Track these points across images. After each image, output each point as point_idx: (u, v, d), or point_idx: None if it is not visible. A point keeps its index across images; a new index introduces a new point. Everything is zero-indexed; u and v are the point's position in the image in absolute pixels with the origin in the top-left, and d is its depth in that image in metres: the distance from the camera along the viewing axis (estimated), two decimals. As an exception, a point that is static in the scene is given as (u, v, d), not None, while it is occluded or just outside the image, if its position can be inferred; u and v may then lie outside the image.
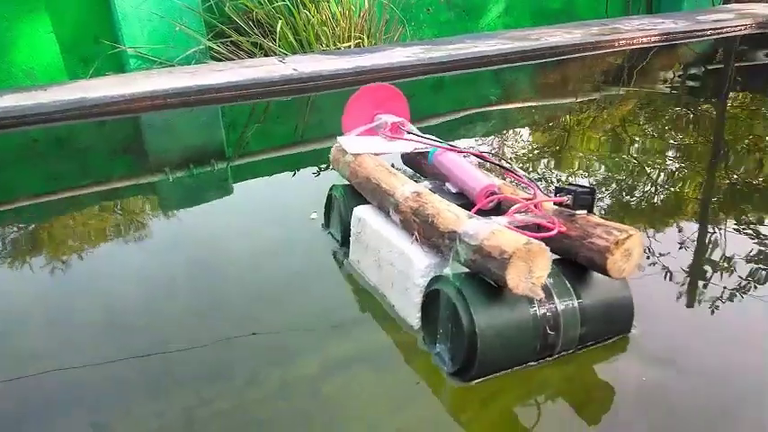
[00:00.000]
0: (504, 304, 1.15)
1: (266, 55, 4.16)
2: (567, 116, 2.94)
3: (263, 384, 1.18)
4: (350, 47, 4.38)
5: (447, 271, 1.21)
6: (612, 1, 5.94)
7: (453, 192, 1.46)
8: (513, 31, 4.35)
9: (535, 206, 1.25)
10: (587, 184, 1.36)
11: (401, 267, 1.33)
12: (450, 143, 1.58)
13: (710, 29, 4.43)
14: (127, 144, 2.65)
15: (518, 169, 1.44)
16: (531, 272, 1.08)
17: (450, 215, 1.23)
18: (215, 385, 1.18)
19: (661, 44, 4.26)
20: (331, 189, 1.68)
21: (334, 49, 4.31)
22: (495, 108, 3.11)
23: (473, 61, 3.36)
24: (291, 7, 4.28)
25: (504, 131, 2.78)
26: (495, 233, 1.12)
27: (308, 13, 4.31)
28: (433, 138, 1.61)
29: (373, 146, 1.60)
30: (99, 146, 2.60)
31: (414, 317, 1.31)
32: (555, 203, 1.26)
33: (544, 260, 1.08)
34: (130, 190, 2.16)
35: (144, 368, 1.23)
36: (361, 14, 4.54)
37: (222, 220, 1.91)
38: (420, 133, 1.66)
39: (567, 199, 1.23)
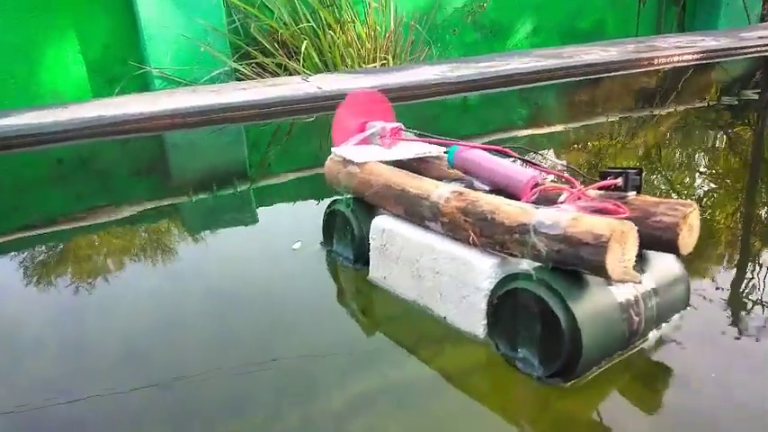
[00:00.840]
0: (593, 294, 1.07)
1: (291, 76, 4.12)
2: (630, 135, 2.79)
3: (284, 420, 1.04)
4: (375, 67, 4.32)
5: (524, 267, 1.11)
6: (643, 21, 5.80)
7: (487, 189, 1.32)
8: (545, 50, 4.23)
9: (583, 193, 1.18)
10: (627, 167, 1.22)
11: (454, 273, 1.21)
12: (458, 141, 1.44)
13: (755, 45, 4.25)
14: (143, 164, 2.59)
15: (541, 161, 1.38)
16: (623, 255, 1.02)
17: (512, 208, 1.14)
18: (233, 421, 1.04)
19: (704, 62, 4.10)
20: (332, 204, 1.54)
21: (360, 69, 4.25)
22: (543, 129, 2.97)
23: (504, 79, 3.24)
24: (317, 29, 4.24)
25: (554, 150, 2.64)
26: (577, 219, 1.04)
27: (332, 34, 4.27)
28: (438, 137, 1.51)
29: (377, 153, 1.48)
30: (114, 166, 2.54)
31: (479, 325, 1.19)
32: (602, 188, 1.19)
33: (634, 241, 1.03)
34: (146, 213, 2.08)
35: (158, 399, 1.11)
36: (387, 35, 4.49)
37: (235, 245, 1.80)
38: (419, 136, 1.55)
39: (618, 182, 1.17)
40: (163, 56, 4.09)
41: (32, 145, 2.44)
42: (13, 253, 1.83)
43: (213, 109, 2.69)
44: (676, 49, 4.01)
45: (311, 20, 4.26)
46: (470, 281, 1.18)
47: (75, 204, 2.21)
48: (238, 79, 4.19)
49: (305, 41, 4.13)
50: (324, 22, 4.28)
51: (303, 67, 4.13)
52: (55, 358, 1.26)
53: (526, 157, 1.38)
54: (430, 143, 1.51)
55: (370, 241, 1.40)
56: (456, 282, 1.21)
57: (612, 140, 2.68)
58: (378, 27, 4.46)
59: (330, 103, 2.91)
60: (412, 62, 4.59)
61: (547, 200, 1.23)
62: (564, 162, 1.69)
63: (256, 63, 4.26)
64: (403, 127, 1.57)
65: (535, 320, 1.07)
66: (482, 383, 1.14)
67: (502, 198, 1.20)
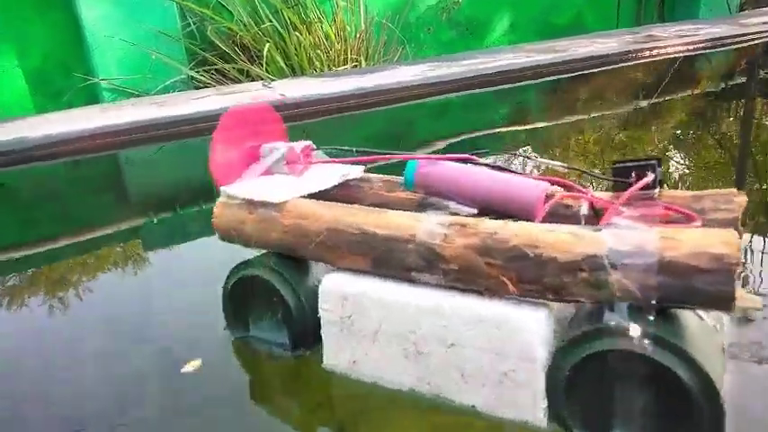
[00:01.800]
0: (702, 337, 0.79)
1: (253, 81, 3.77)
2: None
3: None
4: (346, 69, 4.00)
5: (612, 317, 0.78)
6: (623, 13, 5.60)
7: (473, 212, 0.98)
8: (535, 44, 3.94)
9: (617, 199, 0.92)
10: (643, 157, 1.01)
11: (484, 342, 0.87)
12: (395, 154, 1.13)
13: (758, 32, 4.03)
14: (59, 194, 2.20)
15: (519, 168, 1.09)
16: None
17: (558, 235, 0.82)
18: None
19: (710, 50, 3.86)
20: (239, 269, 1.09)
21: (329, 72, 3.92)
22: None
23: (491, 78, 2.93)
24: (281, 30, 3.90)
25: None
26: (670, 237, 0.75)
27: (298, 35, 3.94)
28: (374, 151, 1.15)
29: (292, 186, 1.08)
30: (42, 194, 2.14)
31: (538, 409, 0.85)
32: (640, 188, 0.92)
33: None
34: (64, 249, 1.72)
35: None
36: (358, 35, 4.17)
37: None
38: (337, 154, 1.19)
39: (649, 180, 0.92)
40: (110, 65, 3.71)
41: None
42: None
43: (158, 123, 2.32)
44: (679, 38, 3.75)
45: (274, 20, 3.92)
46: (515, 349, 0.84)
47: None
48: (196, 87, 3.82)
49: (267, 44, 3.79)
50: (288, 22, 3.95)
51: (267, 71, 3.78)
52: None
53: (502, 165, 1.10)
54: (353, 162, 1.15)
55: (322, 314, 1.00)
56: (488, 353, 0.87)
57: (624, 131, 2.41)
58: (347, 27, 4.14)
59: (296, 112, 2.58)
60: (386, 63, 4.29)
61: (562, 215, 0.93)
62: (559, 162, 1.33)
63: (215, 70, 3.90)
64: (314, 145, 1.20)
65: (644, 389, 0.76)
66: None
67: (528, 223, 0.88)
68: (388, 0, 4.64)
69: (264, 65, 3.75)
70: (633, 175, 0.93)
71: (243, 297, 1.10)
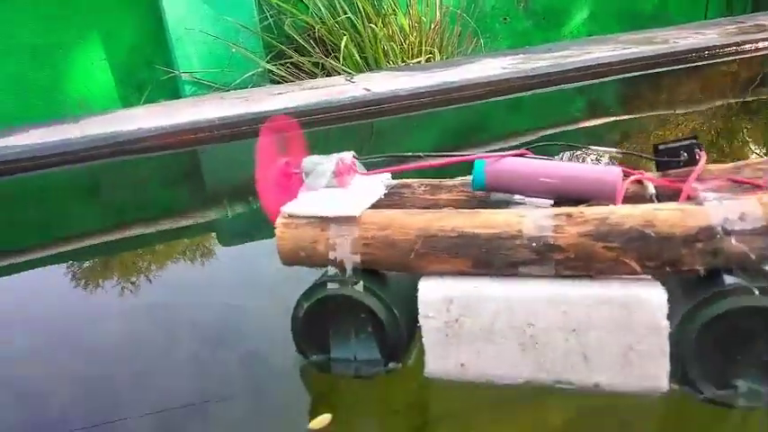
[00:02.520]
0: None
1: (329, 75, 3.76)
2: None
3: None
4: (420, 62, 3.93)
5: (731, 280, 0.87)
6: (712, 1, 5.25)
7: (550, 203, 1.01)
8: (626, 35, 3.70)
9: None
10: (683, 137, 1.06)
11: (608, 322, 0.91)
12: (433, 154, 1.10)
13: None
14: (159, 185, 2.26)
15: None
16: None
17: (669, 213, 0.90)
18: None
19: None
20: (314, 292, 1.02)
21: (403, 65, 3.87)
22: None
23: (588, 71, 2.75)
24: (356, 22, 3.87)
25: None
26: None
27: (373, 27, 3.89)
28: (410, 154, 1.13)
29: (354, 198, 1.03)
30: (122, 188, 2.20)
31: (661, 376, 0.93)
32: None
33: None
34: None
35: None
36: (433, 27, 4.09)
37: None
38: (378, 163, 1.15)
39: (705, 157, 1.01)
40: (192, 58, 3.79)
41: (25, 171, 2.12)
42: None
43: (240, 120, 2.32)
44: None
45: (349, 12, 3.89)
46: (641, 323, 0.90)
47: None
48: (272, 80, 3.86)
49: (344, 37, 3.77)
50: (363, 14, 3.91)
51: (343, 65, 3.77)
52: None
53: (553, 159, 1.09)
54: (404, 169, 1.13)
55: (423, 321, 0.97)
56: (613, 333, 0.92)
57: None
58: (423, 18, 4.06)
59: (382, 107, 2.54)
60: (459, 54, 4.19)
61: (632, 197, 1.01)
62: (611, 147, 1.33)
63: (291, 63, 3.92)
64: (356, 156, 1.14)
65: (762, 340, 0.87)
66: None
67: (629, 206, 0.94)
68: (464, -10, 4.52)
69: (341, 58, 3.74)
70: (684, 154, 1.01)
71: (319, 320, 1.03)
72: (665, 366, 0.91)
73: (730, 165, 1.00)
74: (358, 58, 3.86)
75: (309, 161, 1.11)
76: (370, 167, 1.15)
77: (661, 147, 1.02)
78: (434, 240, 0.95)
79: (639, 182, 1.04)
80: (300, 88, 2.90)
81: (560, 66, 2.74)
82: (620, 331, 0.91)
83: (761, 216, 0.84)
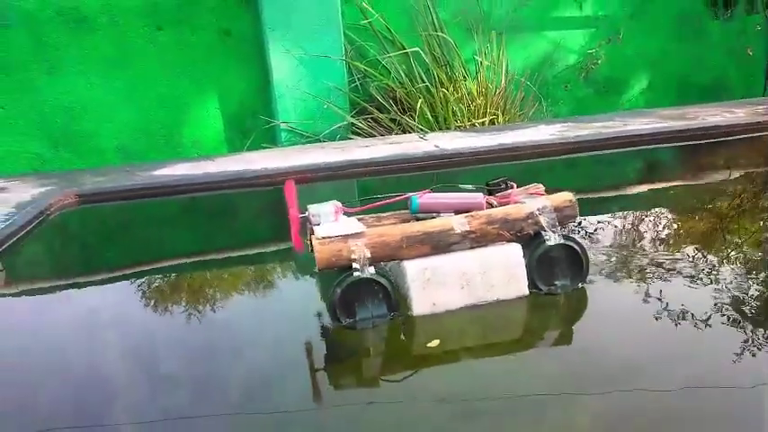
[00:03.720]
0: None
1: (404, 130, 4.33)
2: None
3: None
4: (484, 123, 4.43)
5: (544, 236, 1.68)
6: (773, 76, 5.46)
7: (451, 214, 1.71)
8: (666, 110, 4.10)
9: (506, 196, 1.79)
10: (500, 177, 1.86)
11: (501, 263, 1.65)
12: (390, 197, 1.73)
13: None
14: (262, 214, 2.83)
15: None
16: None
17: (512, 209, 1.68)
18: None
19: None
20: (346, 277, 1.57)
21: (469, 125, 4.38)
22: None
23: (621, 141, 3.20)
24: (430, 86, 4.46)
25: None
26: (549, 199, 1.71)
27: (445, 91, 4.46)
28: (378, 197, 1.74)
29: (350, 225, 1.63)
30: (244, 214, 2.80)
31: (524, 287, 1.68)
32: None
33: None
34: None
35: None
36: (498, 91, 4.61)
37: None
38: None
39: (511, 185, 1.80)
40: (290, 111, 4.47)
41: (182, 193, 2.79)
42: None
43: (341, 165, 2.92)
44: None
45: (425, 78, 4.49)
46: (514, 261, 1.66)
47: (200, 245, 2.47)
48: (354, 132, 4.47)
49: (420, 99, 4.35)
50: (437, 79, 4.50)
51: (417, 122, 4.33)
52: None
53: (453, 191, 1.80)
54: (367, 208, 1.73)
55: (410, 284, 1.60)
56: (503, 269, 1.65)
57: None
58: (489, 84, 4.59)
59: (448, 161, 3.05)
60: (522, 117, 4.66)
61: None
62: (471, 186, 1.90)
63: (372, 118, 4.53)
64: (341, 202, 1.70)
65: (569, 260, 1.68)
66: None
67: (495, 209, 1.69)
68: (529, 60, 5.04)
69: (416, 117, 4.31)
70: (506, 184, 1.79)
71: (350, 296, 1.59)
72: (524, 281, 1.66)
73: (523, 188, 1.77)
74: (430, 117, 4.43)
75: (313, 207, 1.66)
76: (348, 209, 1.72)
77: (490, 182, 1.83)
78: (410, 238, 1.61)
79: (489, 203, 1.77)
80: (383, 142, 3.47)
81: (599, 135, 3.18)
82: (504, 268, 1.64)
83: (550, 206, 1.64)
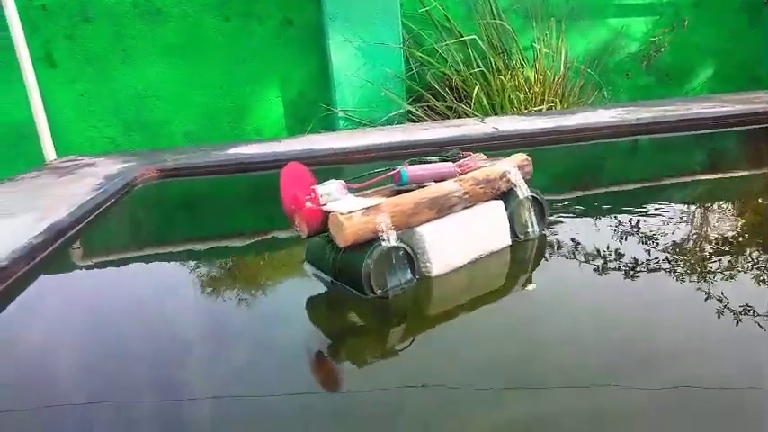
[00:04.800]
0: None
1: (459, 118, 4.37)
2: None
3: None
4: (542, 110, 4.41)
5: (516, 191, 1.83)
6: None
7: (433, 183, 1.79)
8: (729, 95, 3.98)
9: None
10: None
11: (492, 219, 1.78)
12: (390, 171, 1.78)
13: None
14: None
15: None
16: None
17: (489, 170, 1.80)
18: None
19: None
20: (374, 250, 1.53)
21: (526, 112, 4.37)
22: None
23: (684, 124, 3.12)
24: (487, 74, 4.47)
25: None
26: (504, 162, 1.86)
27: (502, 78, 4.47)
28: (372, 172, 1.77)
29: (356, 202, 1.63)
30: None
31: (507, 236, 1.81)
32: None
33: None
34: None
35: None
36: (557, 79, 4.57)
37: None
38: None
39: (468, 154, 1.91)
40: (348, 99, 4.59)
41: (254, 170, 2.94)
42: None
43: (403, 145, 3.00)
44: None
45: (482, 65, 4.51)
46: (500, 216, 1.79)
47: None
48: (410, 120, 4.54)
49: (477, 86, 4.37)
50: (494, 67, 4.51)
51: (473, 109, 4.36)
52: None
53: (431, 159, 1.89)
54: (368, 184, 1.77)
55: (428, 247, 1.64)
56: (492, 224, 1.78)
57: None
58: (547, 71, 4.57)
59: (508, 142, 3.07)
60: (581, 105, 4.60)
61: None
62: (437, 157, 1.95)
63: (428, 106, 4.59)
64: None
65: (534, 210, 1.88)
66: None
67: (476, 171, 1.78)
68: (589, 47, 4.97)
69: (473, 104, 4.34)
70: (460, 155, 1.88)
71: (378, 267, 1.57)
72: (508, 232, 1.80)
73: (470, 157, 1.88)
74: (486, 104, 4.44)
75: (321, 188, 1.65)
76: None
77: (447, 154, 1.91)
78: (420, 205, 1.65)
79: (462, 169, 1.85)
80: (442, 126, 3.52)
81: (661, 118, 3.11)
82: (493, 223, 1.77)
83: (511, 167, 1.80)
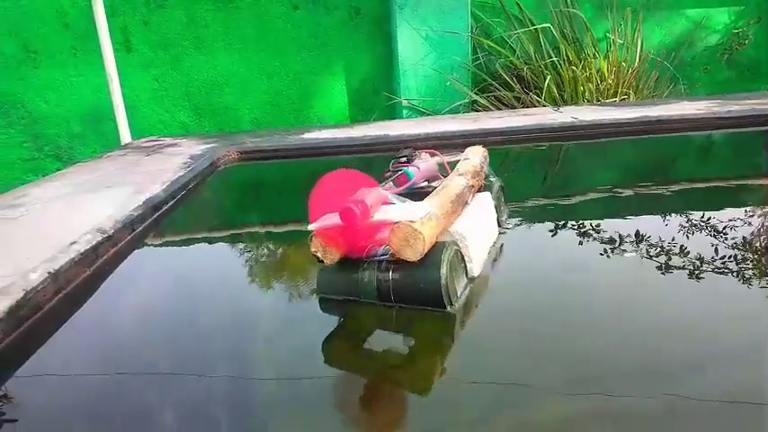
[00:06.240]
0: None
1: (525, 108, 4.26)
2: None
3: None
4: (615, 101, 4.25)
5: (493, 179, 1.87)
6: None
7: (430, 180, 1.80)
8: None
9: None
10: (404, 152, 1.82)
11: (487, 207, 1.74)
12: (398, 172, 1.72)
13: None
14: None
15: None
16: None
17: (471, 162, 1.78)
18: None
19: None
20: (444, 258, 1.35)
21: (600, 103, 4.22)
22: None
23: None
24: (558, 64, 4.35)
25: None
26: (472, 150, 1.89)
27: (574, 69, 4.33)
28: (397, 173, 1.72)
29: (414, 206, 1.47)
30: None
31: (500, 220, 1.80)
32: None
33: None
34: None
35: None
36: (631, 71, 4.40)
37: None
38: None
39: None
40: (412, 88, 4.55)
41: (330, 154, 2.94)
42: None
43: (475, 134, 2.93)
44: None
45: (553, 55, 4.38)
46: (487, 205, 1.76)
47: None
48: (475, 110, 4.46)
49: (548, 76, 4.26)
50: (565, 57, 4.37)
51: (543, 99, 4.24)
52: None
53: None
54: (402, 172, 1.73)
55: (470, 247, 1.48)
56: (490, 215, 1.74)
57: None
58: (621, 63, 4.40)
59: (584, 132, 2.96)
60: (656, 98, 4.42)
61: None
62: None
63: (494, 96, 4.50)
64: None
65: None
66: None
67: (465, 163, 1.75)
68: (665, 39, 4.76)
69: (543, 94, 4.22)
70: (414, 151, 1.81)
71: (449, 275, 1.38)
72: (495, 217, 1.75)
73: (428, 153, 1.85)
74: (557, 95, 4.32)
75: (361, 192, 1.38)
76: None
77: (401, 154, 1.79)
78: (453, 203, 1.52)
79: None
80: (516, 114, 3.44)
81: (754, 111, 2.92)
82: (490, 214, 1.72)
83: (483, 157, 1.81)
